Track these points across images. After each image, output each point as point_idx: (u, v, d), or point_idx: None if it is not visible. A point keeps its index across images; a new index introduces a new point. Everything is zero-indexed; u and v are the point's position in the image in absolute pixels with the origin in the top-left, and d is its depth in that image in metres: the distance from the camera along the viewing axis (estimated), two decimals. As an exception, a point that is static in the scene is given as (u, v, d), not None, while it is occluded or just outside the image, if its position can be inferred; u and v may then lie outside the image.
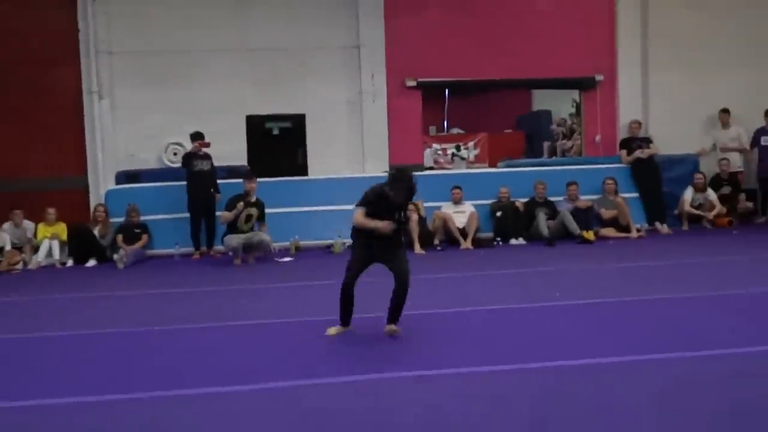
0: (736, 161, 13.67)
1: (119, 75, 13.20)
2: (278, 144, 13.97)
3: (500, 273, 8.67)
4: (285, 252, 11.33)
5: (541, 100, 21.37)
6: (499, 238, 11.83)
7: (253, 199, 10.77)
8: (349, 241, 11.57)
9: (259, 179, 11.44)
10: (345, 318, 5.79)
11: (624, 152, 13.28)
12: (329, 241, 11.66)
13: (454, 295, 7.41)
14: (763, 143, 13.50)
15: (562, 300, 6.86)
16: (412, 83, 13.71)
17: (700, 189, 12.90)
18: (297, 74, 13.52)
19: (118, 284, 9.09)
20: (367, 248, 5.68)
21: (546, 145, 18.50)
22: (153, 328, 6.35)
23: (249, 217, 10.68)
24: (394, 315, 5.71)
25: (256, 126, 13.67)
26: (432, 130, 21.14)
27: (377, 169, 13.31)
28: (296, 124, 13.78)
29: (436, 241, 11.57)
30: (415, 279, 8.54)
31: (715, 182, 13.35)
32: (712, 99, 13.92)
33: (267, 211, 11.01)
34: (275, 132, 14.03)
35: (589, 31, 14.25)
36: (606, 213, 12.29)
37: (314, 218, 12.20)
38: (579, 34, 14.20)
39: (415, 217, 11.52)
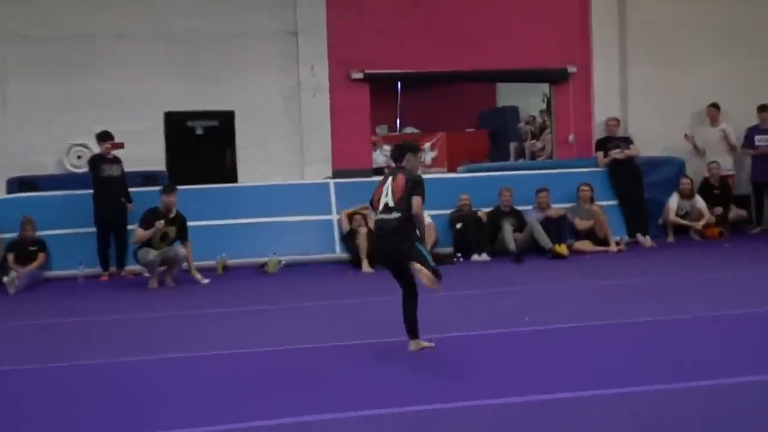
0: (726, 164, 13.91)
1: (11, 64, 12.87)
2: (202, 145, 13.79)
3: (461, 294, 8.66)
4: (209, 273, 11.16)
5: (507, 94, 21.52)
6: (459, 254, 11.84)
7: (173, 215, 10.60)
8: (284, 259, 11.61)
9: (180, 187, 11.25)
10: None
11: (600, 154, 13.44)
12: (262, 259, 11.55)
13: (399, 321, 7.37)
14: (757, 143, 13.79)
15: (532, 324, 6.88)
16: (358, 75, 13.68)
17: (686, 195, 13.09)
18: (224, 65, 13.37)
19: (9, 313, 8.83)
20: None
21: (513, 145, 18.64)
22: (50, 365, 6.17)
23: (165, 236, 10.50)
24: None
25: (176, 124, 13.48)
26: (382, 129, 21.12)
27: (318, 174, 13.26)
28: (223, 123, 13.62)
29: (388, 258, 11.53)
30: (364, 302, 8.58)
31: (704, 188, 13.58)
32: (698, 94, 14.15)
33: (189, 224, 10.85)
34: (199, 132, 13.85)
35: (561, 17, 14.41)
36: (581, 224, 12.40)
37: (245, 232, 12.04)
38: (549, 21, 14.35)
39: (363, 230, 11.47)
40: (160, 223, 10.37)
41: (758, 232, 13.62)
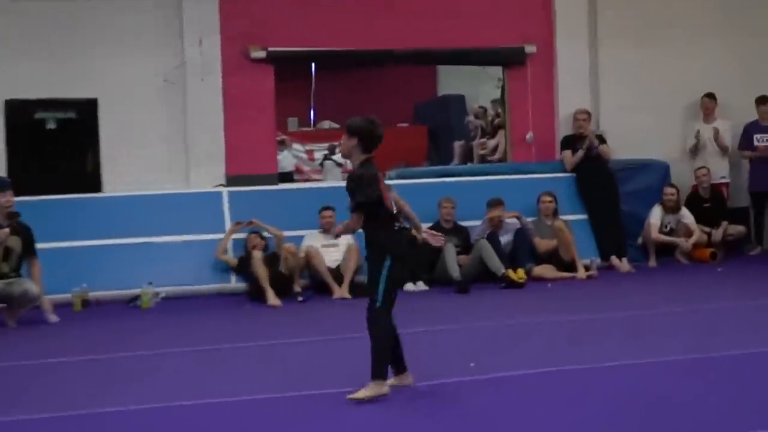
0: (720, 169, 14.20)
1: None
2: (55, 144, 13.61)
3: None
4: (64, 309, 10.99)
5: (451, 80, 21.72)
6: (389, 282, 11.87)
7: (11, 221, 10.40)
8: (163, 290, 11.50)
9: (25, 198, 11.05)
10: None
11: (567, 153, 13.62)
12: (134, 291, 11.45)
13: (323, 368, 7.36)
14: (756, 143, 14.13)
15: (479, 372, 6.91)
16: (259, 54, 13.63)
17: (671, 209, 13.35)
18: (85, 39, 13.22)
19: None
20: None
21: (458, 145, 18.79)
22: None
23: (8, 252, 10.30)
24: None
25: (19, 116, 13.32)
26: (292, 123, 21.09)
27: (208, 180, 13.16)
28: (84, 114, 13.48)
29: (297, 288, 11.50)
30: (264, 345, 8.50)
31: (692, 199, 13.84)
32: (688, 82, 14.49)
33: (37, 246, 10.65)
34: (50, 126, 13.64)
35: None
36: (542, 243, 12.54)
37: (111, 257, 11.95)
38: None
39: (257, 254, 11.37)
40: (3, 232, 10.16)
41: (758, 254, 13.98)
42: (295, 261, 11.61)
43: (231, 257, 12.04)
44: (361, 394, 6.14)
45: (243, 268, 11.71)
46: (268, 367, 7.59)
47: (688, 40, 14.65)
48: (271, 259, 11.54)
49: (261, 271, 11.22)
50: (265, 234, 11.95)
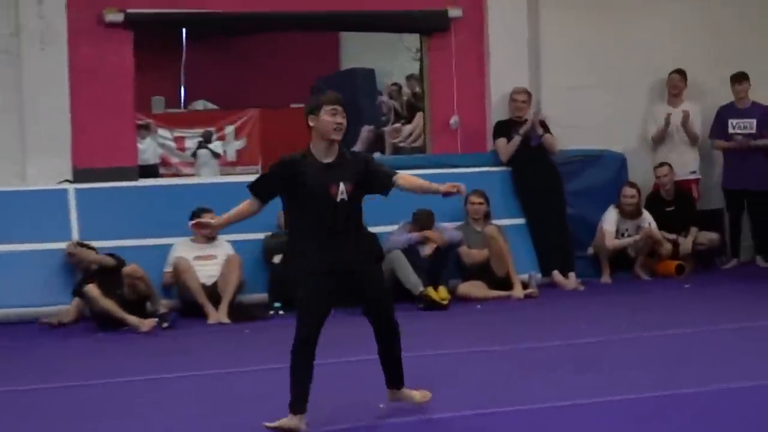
0: (688, 163, 14.33)
1: None
2: None
3: (274, 368, 8.57)
4: None
5: (358, 51, 21.76)
6: (279, 303, 11.80)
7: None
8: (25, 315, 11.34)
9: None
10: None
11: (502, 143, 13.63)
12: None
13: (197, 411, 7.28)
14: (733, 130, 14.28)
15: (389, 414, 6.92)
16: (116, 17, 13.44)
17: (630, 213, 13.44)
18: None
19: None
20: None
21: (365, 131, 18.79)
22: None
23: None
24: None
25: None
26: (157, 103, 20.94)
27: (50, 175, 13.00)
28: None
29: (162, 309, 11.34)
30: (124, 383, 8.38)
31: (653, 202, 13.96)
32: (653, 56, 14.65)
33: None
34: None
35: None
36: (470, 254, 12.57)
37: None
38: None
39: (92, 290, 11.00)
40: None
41: (734, 267, 14.19)
42: (145, 285, 11.40)
43: (71, 311, 11.67)
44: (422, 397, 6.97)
45: (85, 301, 11.42)
46: (135, 411, 7.49)
47: (650, 6, 14.80)
48: (109, 279, 11.34)
49: (105, 304, 10.97)
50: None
